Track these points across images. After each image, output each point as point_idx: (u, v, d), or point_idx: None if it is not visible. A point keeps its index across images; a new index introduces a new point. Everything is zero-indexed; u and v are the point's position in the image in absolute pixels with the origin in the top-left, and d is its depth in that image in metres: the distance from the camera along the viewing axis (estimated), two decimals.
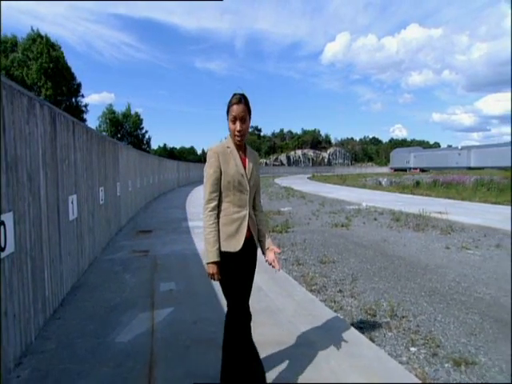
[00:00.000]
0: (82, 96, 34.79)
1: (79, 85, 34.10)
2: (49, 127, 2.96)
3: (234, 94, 1.79)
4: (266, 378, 1.87)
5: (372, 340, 2.61)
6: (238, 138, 1.78)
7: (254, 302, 1.98)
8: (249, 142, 2.01)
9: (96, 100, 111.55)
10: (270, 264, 1.87)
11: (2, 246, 1.96)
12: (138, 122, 47.08)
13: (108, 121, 44.01)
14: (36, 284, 2.52)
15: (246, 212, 1.80)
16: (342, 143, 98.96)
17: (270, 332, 2.55)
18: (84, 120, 34.44)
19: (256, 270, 1.92)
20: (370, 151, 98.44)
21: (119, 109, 46.80)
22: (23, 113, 2.41)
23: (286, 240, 6.28)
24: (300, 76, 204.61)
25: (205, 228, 1.76)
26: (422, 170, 51.72)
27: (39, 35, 30.20)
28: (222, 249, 1.73)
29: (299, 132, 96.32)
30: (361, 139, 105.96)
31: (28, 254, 2.39)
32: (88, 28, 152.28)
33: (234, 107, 1.75)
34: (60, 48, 31.50)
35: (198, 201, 13.18)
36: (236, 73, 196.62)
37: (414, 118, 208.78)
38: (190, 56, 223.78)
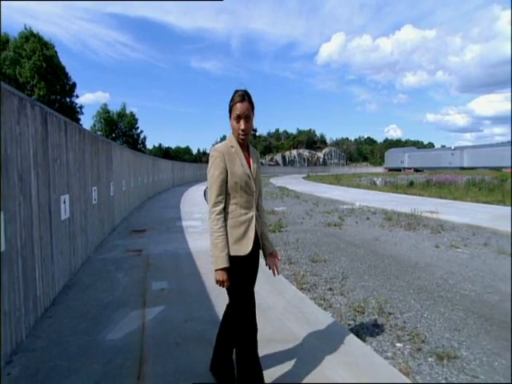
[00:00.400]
0: (77, 96, 34.59)
1: (73, 84, 33.89)
2: (40, 127, 2.98)
3: (237, 91, 1.72)
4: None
5: (359, 336, 2.67)
6: (243, 137, 1.72)
7: None
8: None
9: (91, 99, 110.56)
10: (270, 268, 1.89)
11: None
12: (133, 121, 46.90)
13: (103, 120, 43.78)
14: (27, 283, 2.54)
15: (252, 213, 1.76)
16: (337, 143, 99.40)
17: (259, 329, 2.60)
18: (78, 120, 34.20)
19: None
20: (364, 151, 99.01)
21: (114, 108, 46.72)
22: (14, 113, 2.43)
23: (279, 239, 6.34)
24: (295, 76, 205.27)
25: (212, 233, 1.67)
26: (417, 170, 52.13)
27: (32, 33, 29.93)
28: (231, 253, 1.66)
29: (294, 132, 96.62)
30: (356, 139, 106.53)
31: (19, 253, 2.40)
32: (82, 27, 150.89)
33: (238, 105, 1.68)
34: (54, 47, 31.27)
35: (192, 200, 13.19)
36: (232, 73, 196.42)
37: (409, 119, 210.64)
38: (185, 55, 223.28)
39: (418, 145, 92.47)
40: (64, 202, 3.63)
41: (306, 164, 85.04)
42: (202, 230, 6.72)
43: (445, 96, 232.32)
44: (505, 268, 4.55)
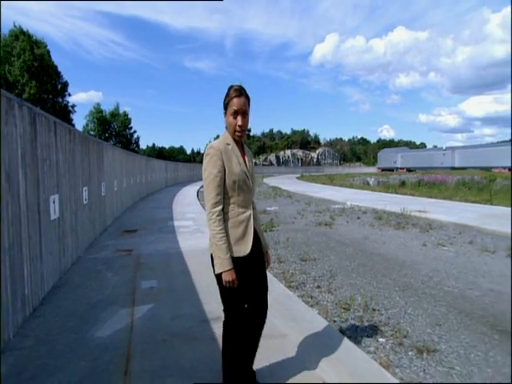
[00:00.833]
0: (69, 95, 34.21)
1: (65, 83, 33.52)
2: (28, 128, 3.00)
3: (232, 86, 1.67)
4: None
5: (343, 332, 2.74)
6: (239, 134, 1.68)
7: None
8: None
9: (83, 99, 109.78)
10: None
11: None
12: (126, 121, 46.57)
13: (95, 120, 43.38)
14: (15, 282, 2.56)
15: (250, 212, 1.73)
16: (331, 143, 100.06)
17: None
18: (71, 119, 33.83)
19: None
20: (358, 151, 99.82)
21: (107, 108, 46.24)
22: (1, 113, 2.44)
23: (270, 239, 6.40)
24: (289, 76, 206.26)
25: (214, 235, 1.61)
26: (409, 170, 52.78)
27: (22, 31, 29.52)
28: (233, 254, 1.63)
29: (289, 132, 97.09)
30: (349, 139, 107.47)
31: (6, 252, 2.42)
32: (75, 25, 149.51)
33: (235, 100, 1.62)
34: (46, 46, 30.89)
35: (185, 200, 13.19)
36: (225, 72, 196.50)
37: (402, 119, 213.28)
38: (179, 55, 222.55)
39: (410, 145, 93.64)
40: (53, 202, 3.64)
41: (299, 164, 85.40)
42: (194, 230, 6.75)
43: (437, 97, 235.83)
44: (487, 265, 4.69)
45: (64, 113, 31.91)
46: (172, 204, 11.79)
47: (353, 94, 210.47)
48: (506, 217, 8.16)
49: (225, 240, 1.61)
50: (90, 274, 4.03)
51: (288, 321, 2.75)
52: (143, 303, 3.11)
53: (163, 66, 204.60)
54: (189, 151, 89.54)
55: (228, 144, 1.69)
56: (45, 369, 2.10)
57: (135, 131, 48.33)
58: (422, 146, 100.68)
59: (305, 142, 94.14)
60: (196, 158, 79.31)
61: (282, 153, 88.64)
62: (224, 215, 1.66)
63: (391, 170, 60.08)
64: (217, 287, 1.72)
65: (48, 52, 30.99)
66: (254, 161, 1.95)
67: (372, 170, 69.38)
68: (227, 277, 1.59)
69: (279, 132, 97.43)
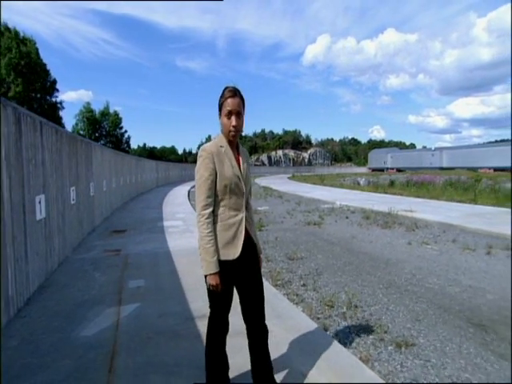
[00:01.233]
0: (57, 90, 33.54)
1: (54, 82, 32.95)
2: (13, 128, 2.99)
3: (226, 87, 1.68)
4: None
5: (326, 329, 2.82)
6: (233, 134, 1.67)
7: None
8: None
9: (73, 98, 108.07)
10: None
11: None
12: (116, 121, 46.02)
13: (85, 119, 42.74)
14: None
15: (242, 215, 1.71)
16: (322, 143, 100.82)
17: (231, 322, 2.71)
18: (59, 118, 33.26)
19: None
20: (349, 151, 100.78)
21: (97, 107, 45.68)
22: None
23: (259, 238, 6.45)
24: (281, 77, 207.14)
25: (202, 237, 1.62)
26: (399, 170, 53.53)
27: (7, 28, 28.91)
28: (220, 258, 1.63)
29: (280, 132, 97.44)
30: (340, 140, 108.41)
31: None
32: (64, 23, 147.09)
33: (229, 101, 1.63)
34: (35, 44, 30.30)
35: (176, 200, 13.15)
36: (217, 72, 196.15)
37: (392, 120, 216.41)
38: (170, 54, 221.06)
39: (400, 145, 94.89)
40: (39, 203, 3.62)
41: (291, 164, 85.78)
42: (183, 230, 6.76)
43: (426, 98, 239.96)
44: (468, 262, 4.84)
45: (53, 111, 31.38)
46: (162, 204, 11.75)
47: (344, 94, 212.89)
48: (487, 215, 8.41)
49: (212, 243, 1.61)
50: (77, 274, 4.02)
51: (272, 318, 2.81)
52: (130, 302, 3.14)
53: (155, 65, 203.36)
54: (180, 151, 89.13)
55: (221, 146, 1.68)
56: (29, 368, 2.11)
57: (126, 131, 47.84)
58: (412, 146, 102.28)
59: (296, 142, 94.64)
60: (188, 158, 78.95)
61: (273, 153, 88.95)
62: (214, 217, 1.66)
63: (381, 170, 60.83)
64: (204, 286, 1.74)
65: (36, 50, 30.43)
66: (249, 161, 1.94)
67: (363, 170, 70.13)
68: (211, 280, 1.60)
69: (271, 132, 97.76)
